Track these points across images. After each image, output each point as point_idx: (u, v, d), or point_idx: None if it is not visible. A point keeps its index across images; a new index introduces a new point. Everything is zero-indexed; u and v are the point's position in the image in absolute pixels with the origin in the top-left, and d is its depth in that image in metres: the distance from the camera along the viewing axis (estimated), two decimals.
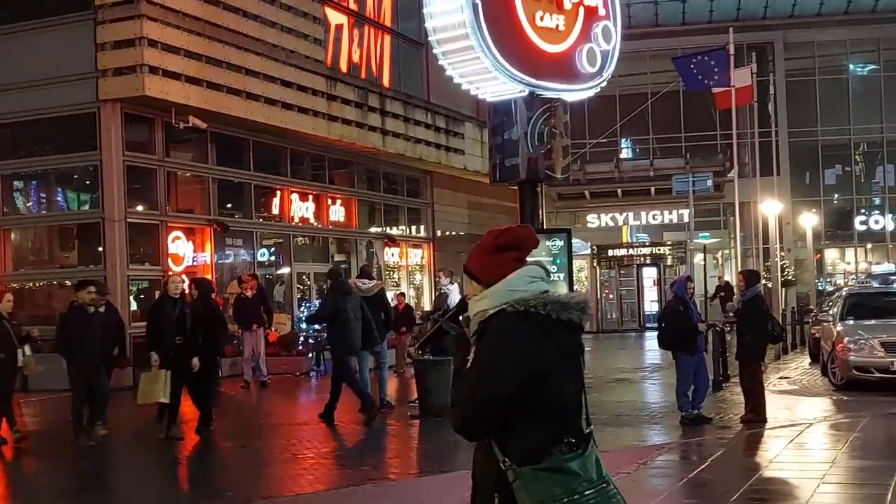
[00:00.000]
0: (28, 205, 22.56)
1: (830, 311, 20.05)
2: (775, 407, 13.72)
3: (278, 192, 24.77)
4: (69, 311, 12.63)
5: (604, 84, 15.89)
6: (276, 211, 24.87)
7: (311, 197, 25.80)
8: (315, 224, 26.05)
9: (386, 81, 27.28)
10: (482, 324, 3.48)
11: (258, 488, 9.87)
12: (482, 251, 3.62)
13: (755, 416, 12.91)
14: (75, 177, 21.78)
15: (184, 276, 15.38)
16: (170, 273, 18.95)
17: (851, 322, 17.75)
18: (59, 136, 20.82)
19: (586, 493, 3.26)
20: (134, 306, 20.46)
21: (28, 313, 21.04)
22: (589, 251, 38.11)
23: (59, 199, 22.26)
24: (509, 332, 3.39)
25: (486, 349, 3.41)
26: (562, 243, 14.91)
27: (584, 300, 3.50)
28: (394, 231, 29.92)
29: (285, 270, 24.93)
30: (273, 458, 11.65)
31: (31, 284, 21.51)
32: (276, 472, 10.88)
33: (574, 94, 15.70)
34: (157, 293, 16.45)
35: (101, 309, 12.83)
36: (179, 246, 21.34)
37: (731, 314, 15.74)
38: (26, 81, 20.29)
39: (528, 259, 3.61)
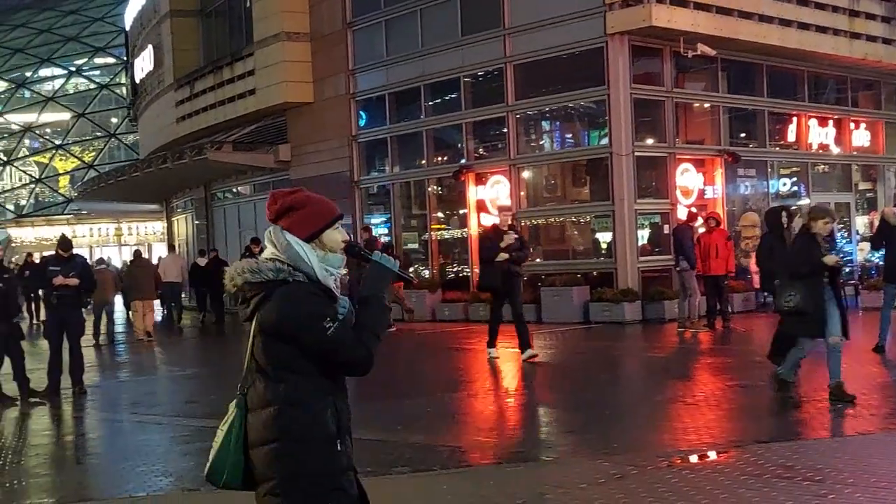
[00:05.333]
0: (540, 142, 23.31)
1: None
2: None
3: (794, 119, 23.45)
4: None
5: None
6: (791, 138, 23.60)
7: (830, 122, 24.13)
8: (836, 150, 24.30)
9: None
10: None
11: (754, 431, 9.21)
12: None
13: None
14: (585, 113, 22.03)
15: None
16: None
17: None
18: (569, 72, 21.12)
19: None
20: (643, 241, 20.45)
21: (544, 249, 21.92)
22: None
23: (569, 135, 22.74)
24: None
25: None
26: None
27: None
28: None
29: (804, 201, 23.51)
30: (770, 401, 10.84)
31: (542, 220, 22.22)
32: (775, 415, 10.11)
33: None
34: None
35: None
36: (688, 178, 20.90)
37: None
38: (539, 21, 20.88)
39: None
